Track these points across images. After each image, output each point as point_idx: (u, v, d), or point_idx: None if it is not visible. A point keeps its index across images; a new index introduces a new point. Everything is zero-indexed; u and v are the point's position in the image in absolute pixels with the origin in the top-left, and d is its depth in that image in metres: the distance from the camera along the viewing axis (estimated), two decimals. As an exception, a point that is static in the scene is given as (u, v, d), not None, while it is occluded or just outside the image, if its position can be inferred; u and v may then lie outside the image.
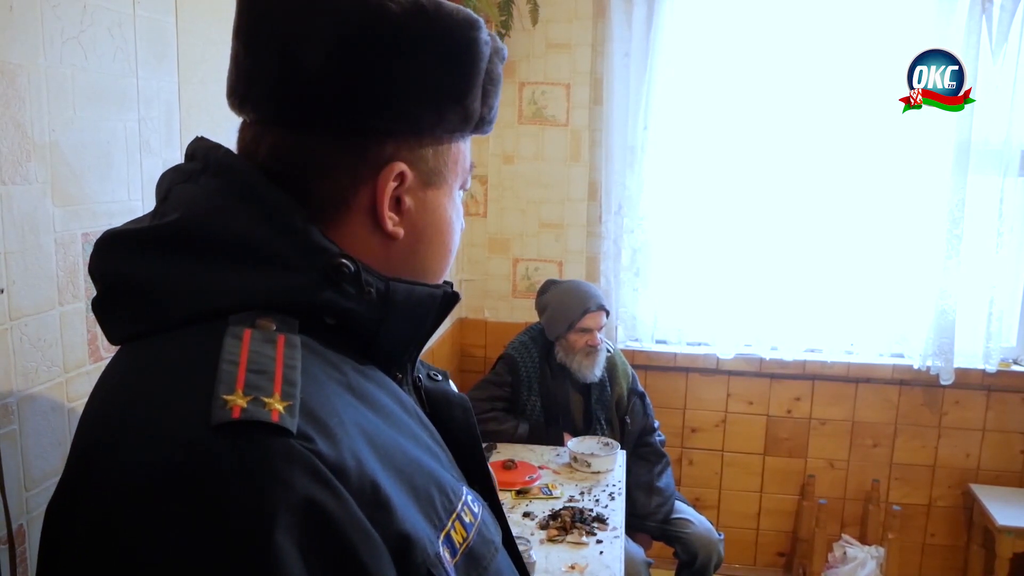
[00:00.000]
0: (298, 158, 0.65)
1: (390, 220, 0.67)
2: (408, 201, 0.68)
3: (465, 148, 0.73)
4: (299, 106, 0.64)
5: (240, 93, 0.67)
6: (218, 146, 0.67)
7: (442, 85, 0.66)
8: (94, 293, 0.66)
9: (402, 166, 0.66)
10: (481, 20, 0.69)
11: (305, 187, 0.65)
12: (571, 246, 3.23)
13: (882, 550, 3.08)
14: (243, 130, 0.69)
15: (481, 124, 0.71)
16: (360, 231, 0.67)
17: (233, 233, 0.62)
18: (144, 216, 0.68)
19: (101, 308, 0.65)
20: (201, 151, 0.67)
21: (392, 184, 0.66)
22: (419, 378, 0.78)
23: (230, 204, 0.63)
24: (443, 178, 0.70)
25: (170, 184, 0.67)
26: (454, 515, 0.64)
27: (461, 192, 0.75)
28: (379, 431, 0.60)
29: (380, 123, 0.65)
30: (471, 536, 0.66)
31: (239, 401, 0.53)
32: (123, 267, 0.63)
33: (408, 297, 0.67)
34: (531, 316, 2.85)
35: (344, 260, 0.63)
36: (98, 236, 0.65)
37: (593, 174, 3.17)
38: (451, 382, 0.84)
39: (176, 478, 0.51)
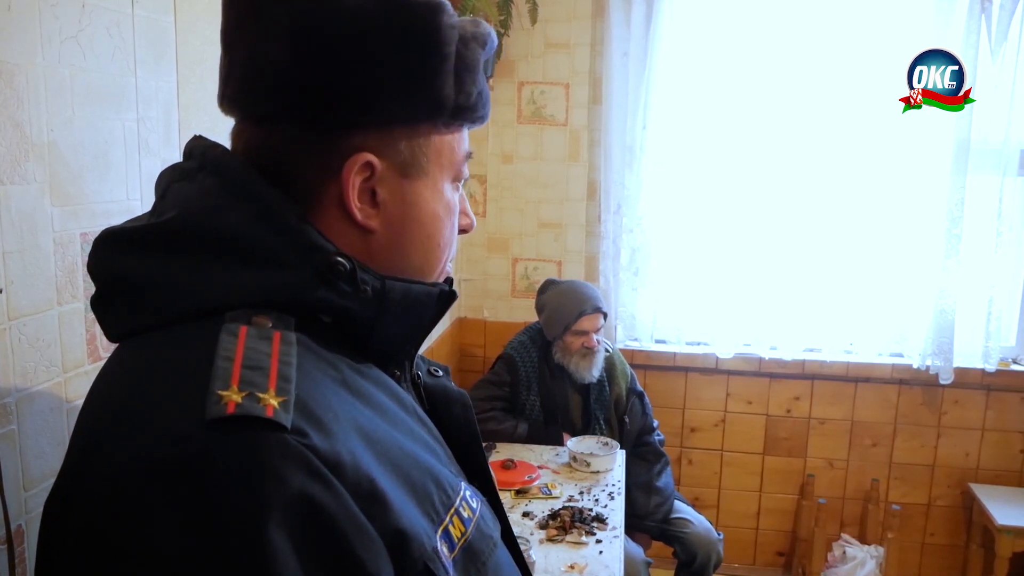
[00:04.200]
0: (272, 154, 0.65)
1: (360, 212, 0.66)
2: (383, 193, 0.67)
3: (453, 141, 0.71)
4: (265, 102, 0.65)
5: (221, 93, 0.68)
6: (215, 145, 0.67)
7: (404, 72, 0.65)
8: (93, 292, 0.66)
9: (368, 156, 0.65)
10: (447, 4, 0.68)
11: (283, 183, 0.65)
12: (570, 246, 3.23)
13: (881, 550, 3.08)
14: (232, 129, 0.70)
15: (461, 113, 0.69)
16: (336, 224, 0.66)
17: (229, 231, 0.62)
18: (143, 215, 0.68)
19: (100, 305, 0.66)
20: (198, 150, 0.68)
21: (360, 175, 0.65)
22: (418, 375, 0.78)
23: (226, 202, 0.63)
24: (423, 169, 0.69)
25: (168, 182, 0.67)
26: (452, 510, 0.65)
27: (457, 185, 0.74)
28: (375, 427, 0.61)
29: (343, 114, 0.64)
30: (469, 531, 0.66)
31: (234, 396, 0.53)
32: (121, 265, 0.64)
33: (404, 296, 0.67)
34: (530, 316, 2.85)
35: (339, 258, 0.63)
36: (97, 236, 0.66)
37: (592, 174, 3.17)
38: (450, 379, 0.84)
39: (170, 473, 0.51)
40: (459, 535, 0.64)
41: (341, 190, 0.65)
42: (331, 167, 0.65)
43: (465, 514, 0.66)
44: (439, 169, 0.70)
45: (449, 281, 0.75)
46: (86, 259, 0.67)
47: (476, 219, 0.80)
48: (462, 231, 0.78)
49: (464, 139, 0.73)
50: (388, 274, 0.67)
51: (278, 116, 0.65)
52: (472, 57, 0.69)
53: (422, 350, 0.78)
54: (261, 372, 0.55)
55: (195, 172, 0.66)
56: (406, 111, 0.66)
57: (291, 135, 0.65)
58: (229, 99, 0.68)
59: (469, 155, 0.74)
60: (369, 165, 0.65)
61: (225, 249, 0.62)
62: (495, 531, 0.72)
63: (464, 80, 0.68)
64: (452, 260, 0.78)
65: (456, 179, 0.73)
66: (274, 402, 0.53)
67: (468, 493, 0.69)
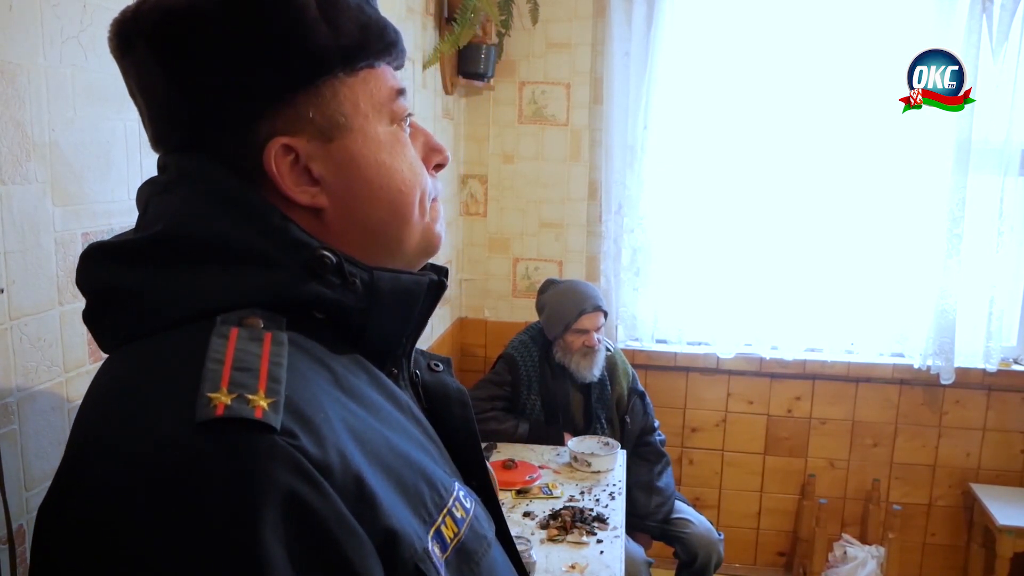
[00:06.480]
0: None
1: (302, 194, 0.65)
2: (317, 167, 0.65)
3: (367, 85, 0.67)
4: (174, 133, 0.66)
5: (149, 140, 0.69)
6: (188, 154, 0.66)
7: (269, 42, 0.62)
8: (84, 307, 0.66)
9: (282, 140, 0.63)
10: None
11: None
12: (571, 246, 3.23)
13: (882, 550, 3.08)
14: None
15: (355, 54, 0.65)
16: (291, 215, 0.65)
17: (216, 237, 0.62)
18: (128, 231, 0.68)
19: (92, 318, 0.66)
20: (172, 161, 0.67)
21: (284, 160, 0.64)
22: (416, 373, 0.77)
23: (210, 210, 0.63)
24: (345, 127, 0.66)
25: (147, 197, 0.67)
26: (444, 511, 0.64)
27: (401, 126, 0.70)
28: (366, 427, 0.60)
29: (237, 111, 0.63)
30: (462, 531, 0.66)
31: (223, 398, 0.53)
32: (111, 277, 0.64)
33: (394, 286, 0.66)
34: (531, 315, 2.85)
35: (325, 252, 0.63)
36: (96, 238, 0.65)
37: (593, 173, 3.17)
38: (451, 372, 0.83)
39: (160, 476, 0.51)
40: (452, 535, 0.64)
41: (274, 183, 0.64)
42: (255, 165, 0.64)
43: (458, 514, 0.66)
44: (364, 119, 0.67)
45: (444, 272, 0.75)
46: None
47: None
48: (439, 166, 0.74)
49: (383, 78, 0.68)
50: (367, 245, 0.67)
51: (191, 140, 0.65)
52: None
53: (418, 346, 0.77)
54: (251, 374, 0.55)
55: (174, 184, 0.66)
56: (293, 79, 0.63)
57: (210, 152, 0.64)
58: (152, 142, 0.69)
59: (400, 91, 0.69)
60: (287, 147, 0.64)
61: (213, 254, 0.62)
62: (489, 531, 0.71)
63: (337, 21, 0.64)
64: (439, 197, 0.74)
65: (393, 120, 0.69)
66: (263, 403, 0.53)
67: (462, 493, 0.68)
